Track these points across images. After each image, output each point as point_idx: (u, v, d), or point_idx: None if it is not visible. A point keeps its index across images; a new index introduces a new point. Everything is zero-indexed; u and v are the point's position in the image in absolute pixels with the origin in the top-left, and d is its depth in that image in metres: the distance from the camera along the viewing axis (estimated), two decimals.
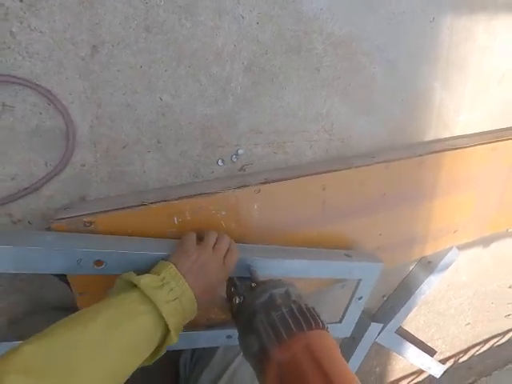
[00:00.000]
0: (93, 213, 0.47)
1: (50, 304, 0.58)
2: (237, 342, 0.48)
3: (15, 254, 0.40)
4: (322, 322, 0.41)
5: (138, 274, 0.39)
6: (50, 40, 0.43)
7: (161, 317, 0.37)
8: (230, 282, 0.52)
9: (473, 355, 1.44)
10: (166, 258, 0.43)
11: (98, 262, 0.44)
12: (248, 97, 0.57)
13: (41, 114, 0.46)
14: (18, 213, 0.49)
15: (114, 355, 0.32)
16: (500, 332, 1.47)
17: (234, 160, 0.60)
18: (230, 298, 0.49)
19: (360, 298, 0.69)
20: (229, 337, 0.61)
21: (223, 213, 0.54)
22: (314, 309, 0.43)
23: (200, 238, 0.48)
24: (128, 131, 0.51)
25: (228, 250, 0.48)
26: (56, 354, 0.28)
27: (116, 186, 0.53)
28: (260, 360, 0.39)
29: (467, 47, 0.71)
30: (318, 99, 0.62)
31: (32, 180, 0.48)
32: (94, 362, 0.30)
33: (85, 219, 0.47)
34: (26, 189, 0.48)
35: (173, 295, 0.38)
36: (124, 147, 0.52)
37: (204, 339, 0.60)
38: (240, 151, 0.59)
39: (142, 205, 0.49)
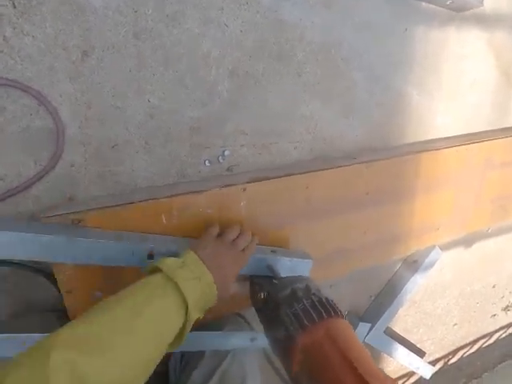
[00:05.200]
0: (81, 211, 0.48)
1: (35, 306, 0.58)
2: (224, 348, 0.54)
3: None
4: (339, 311, 0.47)
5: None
6: (42, 45, 0.45)
7: (182, 296, 0.39)
8: (253, 280, 0.57)
9: (462, 357, 1.46)
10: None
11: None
12: (234, 100, 0.59)
13: (31, 114, 0.47)
14: (6, 212, 0.50)
15: (140, 338, 0.35)
16: (487, 333, 1.50)
17: (221, 161, 0.62)
18: (253, 294, 0.55)
19: None
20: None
21: (209, 211, 0.56)
22: (332, 300, 0.49)
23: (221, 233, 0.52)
24: (117, 132, 0.53)
25: (247, 246, 0.52)
26: (93, 333, 0.32)
27: (105, 186, 0.54)
28: (285, 347, 0.45)
29: (441, 55, 0.76)
30: (301, 102, 0.65)
31: (21, 180, 0.49)
32: (126, 345, 0.33)
33: (72, 217, 0.48)
34: (15, 188, 0.49)
35: (192, 274, 0.41)
36: (113, 148, 0.53)
37: (200, 343, 0.60)
38: (226, 152, 0.61)
39: (131, 203, 0.51)
